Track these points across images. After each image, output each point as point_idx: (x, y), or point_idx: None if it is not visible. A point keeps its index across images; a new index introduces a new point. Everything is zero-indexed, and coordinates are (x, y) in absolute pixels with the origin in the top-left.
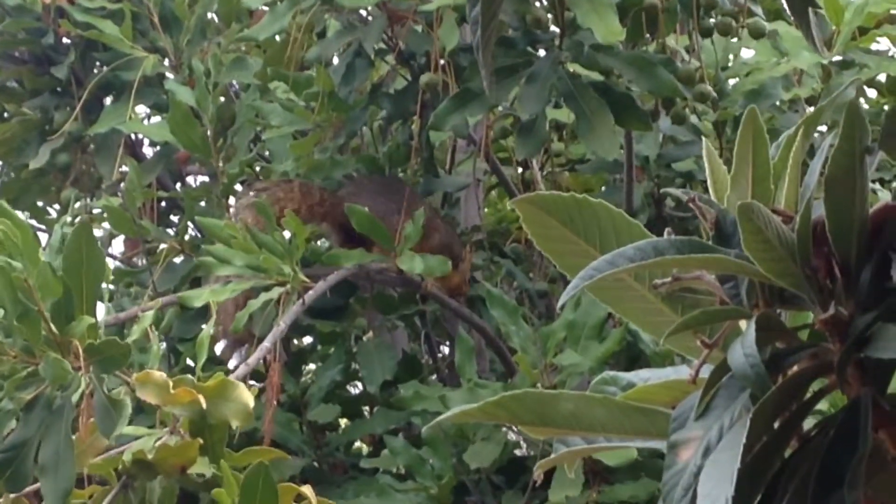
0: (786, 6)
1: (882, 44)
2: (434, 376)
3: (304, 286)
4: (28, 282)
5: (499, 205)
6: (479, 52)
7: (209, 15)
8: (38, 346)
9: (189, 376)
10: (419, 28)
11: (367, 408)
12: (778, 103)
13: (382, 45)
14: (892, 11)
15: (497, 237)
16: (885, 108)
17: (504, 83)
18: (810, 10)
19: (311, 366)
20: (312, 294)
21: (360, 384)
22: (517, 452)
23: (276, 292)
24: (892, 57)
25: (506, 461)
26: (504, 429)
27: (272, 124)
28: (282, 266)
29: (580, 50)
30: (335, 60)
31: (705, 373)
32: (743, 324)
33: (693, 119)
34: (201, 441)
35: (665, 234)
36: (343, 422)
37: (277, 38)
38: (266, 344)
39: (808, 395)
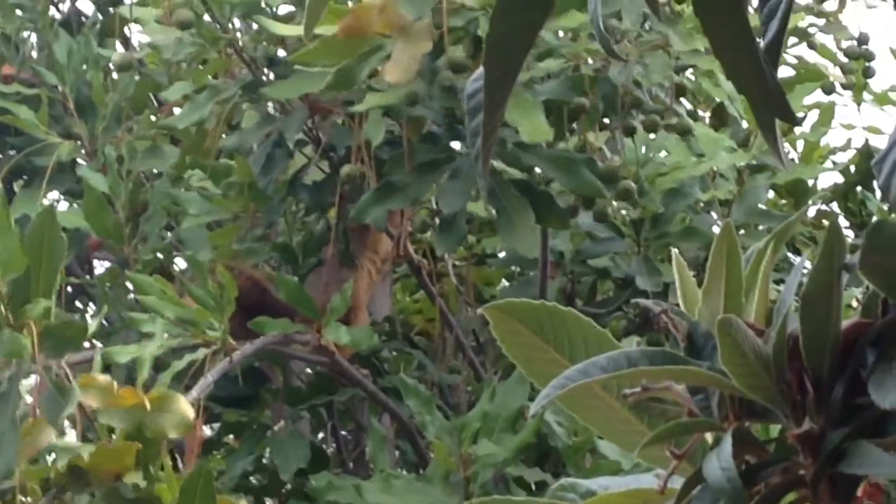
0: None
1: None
2: (340, 469)
3: (230, 347)
4: None
5: (398, 295)
6: (478, 161)
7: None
8: None
9: (131, 387)
10: (340, 121)
11: (270, 500)
12: (692, 203)
13: (302, 136)
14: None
15: (402, 327)
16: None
17: (426, 178)
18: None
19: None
20: (239, 354)
21: (262, 476)
22: None
23: (201, 353)
24: (796, 162)
25: None
26: None
27: (190, 213)
28: (212, 321)
29: (503, 147)
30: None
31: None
32: (709, 436)
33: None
34: (139, 445)
35: (634, 344)
36: None
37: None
38: (193, 394)
39: None
